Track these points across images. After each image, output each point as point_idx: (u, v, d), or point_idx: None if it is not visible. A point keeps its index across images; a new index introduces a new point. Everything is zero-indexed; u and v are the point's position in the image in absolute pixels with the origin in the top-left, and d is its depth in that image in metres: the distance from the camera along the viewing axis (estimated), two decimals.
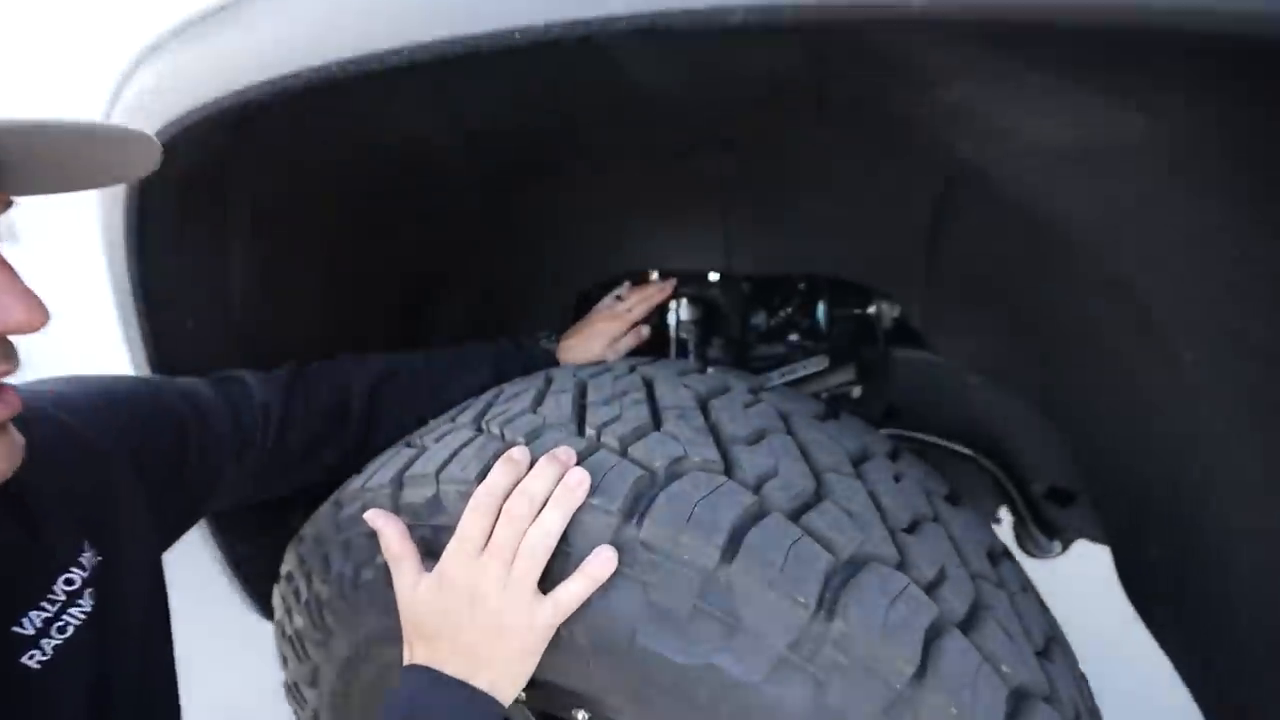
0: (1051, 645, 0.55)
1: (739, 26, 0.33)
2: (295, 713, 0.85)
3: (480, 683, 0.49)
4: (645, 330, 0.99)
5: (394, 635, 0.56)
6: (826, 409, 0.70)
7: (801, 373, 0.96)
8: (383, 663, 0.67)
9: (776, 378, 0.96)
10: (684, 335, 1.07)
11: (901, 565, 0.50)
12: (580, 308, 1.05)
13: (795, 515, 0.51)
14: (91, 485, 0.50)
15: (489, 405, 0.68)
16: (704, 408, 0.62)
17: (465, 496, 0.54)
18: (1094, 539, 1.11)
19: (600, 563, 0.47)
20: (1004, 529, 1.14)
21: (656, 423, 0.58)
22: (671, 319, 1.06)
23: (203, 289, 0.77)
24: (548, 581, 0.49)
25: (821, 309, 1.04)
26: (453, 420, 0.68)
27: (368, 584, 0.61)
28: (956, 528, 0.59)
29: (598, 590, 0.48)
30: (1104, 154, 0.42)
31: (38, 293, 0.35)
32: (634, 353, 1.05)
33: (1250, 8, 0.26)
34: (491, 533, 0.49)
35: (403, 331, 1.03)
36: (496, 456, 0.55)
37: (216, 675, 1.36)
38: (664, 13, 0.34)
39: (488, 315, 1.13)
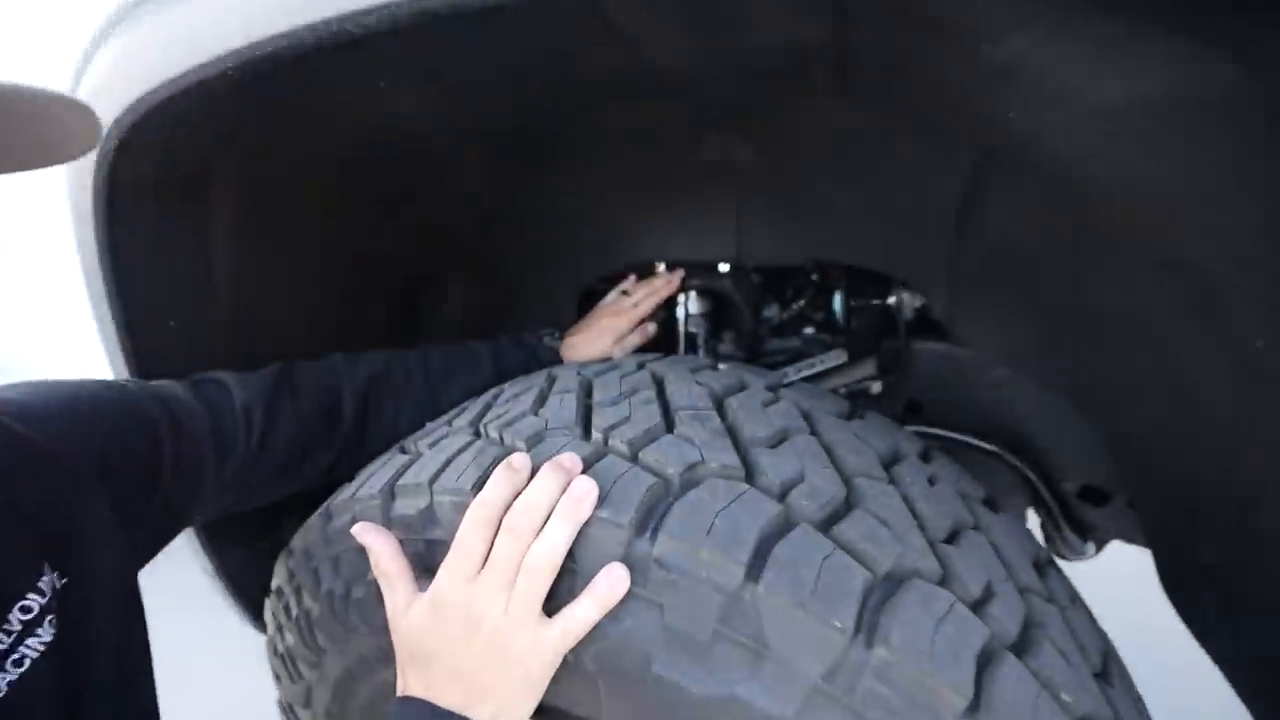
0: (1109, 665, 0.50)
1: None
2: None
3: (480, 715, 0.44)
4: (652, 327, 0.95)
5: (389, 656, 0.52)
6: (851, 407, 0.65)
7: (819, 367, 0.91)
8: (378, 684, 0.62)
9: (793, 373, 0.91)
10: (693, 329, 1.02)
11: (945, 580, 0.45)
12: (584, 306, 1.00)
13: (825, 526, 0.46)
14: (51, 501, 0.45)
15: (488, 407, 0.63)
16: (720, 407, 0.57)
17: (461, 508, 0.49)
18: (1130, 540, 1.05)
19: (611, 582, 0.42)
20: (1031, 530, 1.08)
21: (669, 424, 0.53)
22: (680, 312, 1.01)
23: (185, 287, 0.73)
24: (553, 602, 0.44)
25: (838, 300, 0.99)
26: (449, 423, 0.63)
27: (359, 602, 0.56)
28: (999, 535, 0.54)
29: (608, 613, 0.43)
30: (1182, 115, 0.37)
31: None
32: (640, 350, 1.00)
33: None
34: (490, 549, 0.45)
35: (399, 330, 0.99)
36: (495, 463, 0.50)
37: (215, 685, 1.33)
38: None
39: (488, 312, 1.09)
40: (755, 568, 0.42)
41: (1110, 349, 0.73)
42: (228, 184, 0.69)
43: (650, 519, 0.44)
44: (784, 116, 0.66)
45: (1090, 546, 1.06)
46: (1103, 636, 0.55)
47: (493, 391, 0.69)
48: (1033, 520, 1.13)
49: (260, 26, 0.42)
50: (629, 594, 0.43)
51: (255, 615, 0.88)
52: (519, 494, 0.46)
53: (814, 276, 1.01)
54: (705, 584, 0.42)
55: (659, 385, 0.60)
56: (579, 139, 0.76)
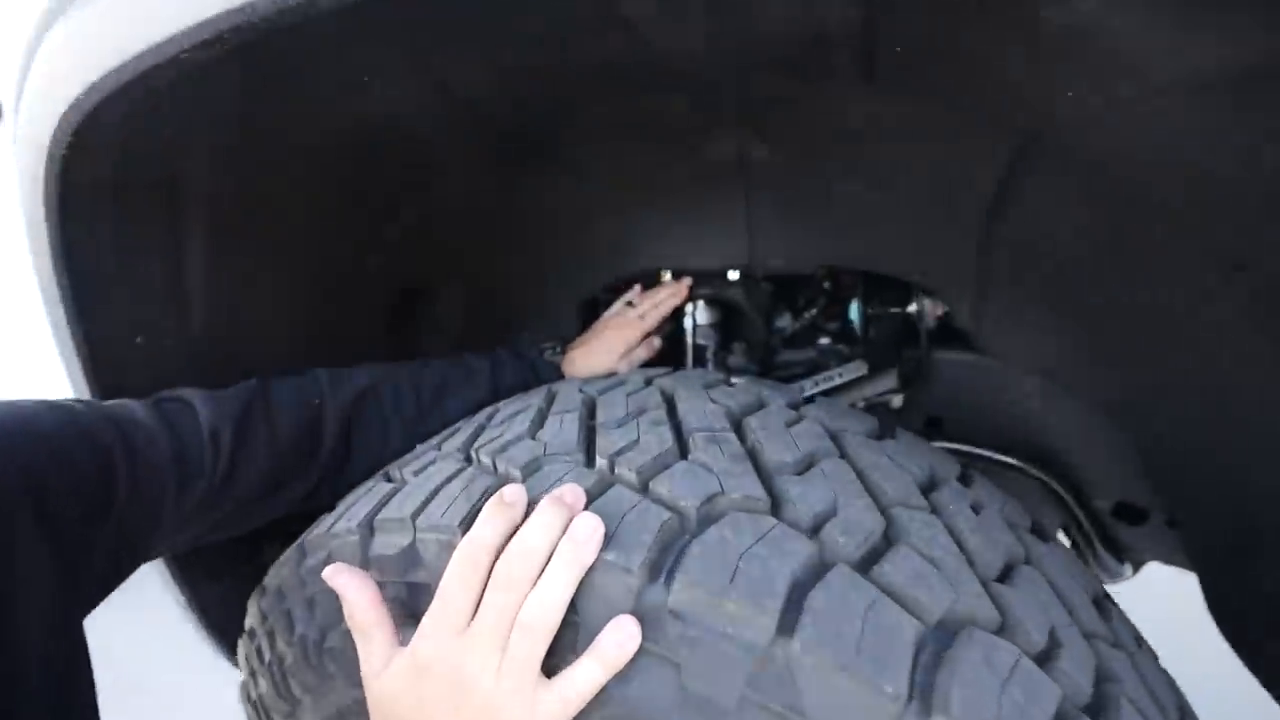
0: None
1: None
2: None
3: None
4: (658, 341, 0.89)
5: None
6: (880, 425, 0.59)
7: (838, 380, 0.85)
8: None
9: (810, 387, 0.85)
10: (701, 341, 0.96)
11: (1004, 629, 0.39)
12: (586, 318, 0.95)
13: (865, 566, 0.40)
14: None
15: (481, 428, 0.58)
16: (738, 428, 0.51)
17: (448, 548, 0.43)
18: (1169, 562, 0.99)
19: (619, 639, 0.36)
20: None
21: (682, 449, 0.47)
22: (688, 323, 0.95)
23: (153, 299, 0.67)
24: (552, 660, 0.38)
25: (854, 308, 0.94)
26: (438, 447, 0.58)
27: (335, 651, 0.50)
28: (1054, 569, 0.48)
29: (616, 674, 0.37)
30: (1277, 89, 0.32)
31: None
32: (646, 365, 0.94)
33: None
34: (480, 599, 0.39)
35: (389, 344, 0.93)
36: (487, 496, 0.44)
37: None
38: None
39: (486, 326, 1.03)
40: (788, 620, 0.36)
41: (1159, 358, 0.67)
42: (200, 185, 0.64)
43: (664, 562, 0.38)
44: (801, 109, 0.61)
45: (1127, 568, 1.00)
46: (1174, 686, 0.48)
47: (487, 411, 0.64)
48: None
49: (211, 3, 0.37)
50: (640, 652, 0.37)
51: (232, 653, 0.81)
52: (513, 532, 0.40)
53: (826, 285, 0.96)
54: (730, 640, 0.36)
55: (669, 403, 0.55)
56: (579, 138, 0.71)
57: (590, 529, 0.38)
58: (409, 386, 0.70)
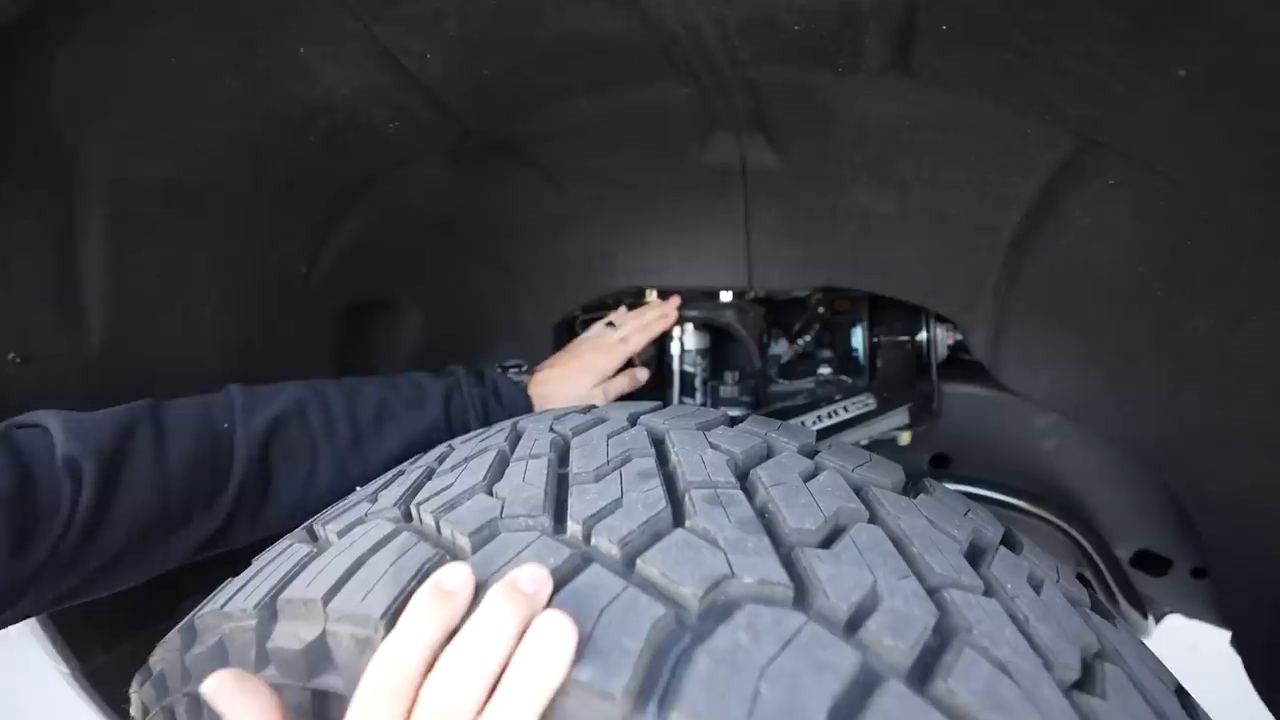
0: None
1: None
2: None
3: None
4: (643, 374, 0.80)
5: None
6: (907, 474, 0.50)
7: (843, 416, 0.76)
8: None
9: (813, 423, 0.76)
10: (689, 368, 0.87)
11: None
12: (562, 343, 0.85)
13: (923, 678, 0.30)
14: None
15: (428, 474, 0.47)
16: (745, 483, 0.41)
17: (367, 647, 0.33)
18: (1196, 616, 0.91)
19: None
20: None
21: (677, 512, 0.37)
22: (675, 349, 0.86)
23: (35, 307, 0.56)
24: None
25: (858, 335, 0.85)
26: (373, 498, 0.47)
27: None
28: (1133, 665, 0.39)
29: None
30: None
31: None
32: (626, 397, 0.84)
33: None
34: None
35: (336, 368, 0.82)
36: (421, 577, 0.34)
37: None
38: None
39: (450, 347, 0.93)
40: None
41: (1203, 394, 0.59)
42: (97, 171, 0.53)
43: (657, 682, 0.28)
44: (820, 106, 0.53)
45: (1150, 622, 0.92)
46: None
47: (438, 451, 0.53)
48: None
49: None
50: None
51: None
52: (451, 633, 0.29)
53: (821, 309, 0.87)
54: None
55: (659, 449, 0.45)
56: (555, 134, 0.62)
57: (556, 633, 0.28)
58: (342, 408, 0.59)
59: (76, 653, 0.66)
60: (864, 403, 0.76)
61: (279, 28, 0.46)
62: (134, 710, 0.51)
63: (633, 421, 0.49)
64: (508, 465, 0.45)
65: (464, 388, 0.67)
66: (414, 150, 0.64)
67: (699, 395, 0.86)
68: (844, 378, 0.84)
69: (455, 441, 0.55)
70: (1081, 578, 0.97)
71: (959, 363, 0.86)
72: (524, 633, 0.28)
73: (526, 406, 0.71)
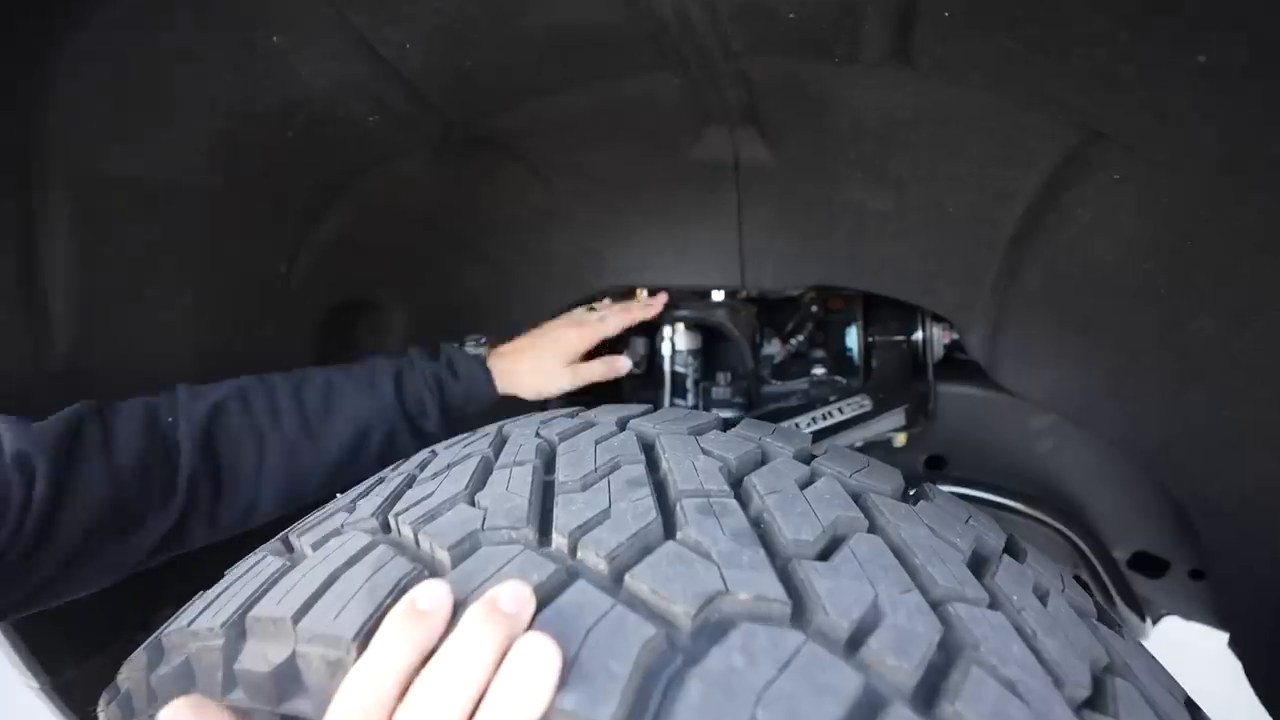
0: None
1: None
2: None
3: None
4: (623, 363, 0.77)
5: None
6: (906, 479, 0.48)
7: (838, 417, 0.75)
8: None
9: (807, 425, 0.75)
10: (680, 369, 0.85)
11: None
12: None
13: (929, 700, 0.29)
14: None
15: (409, 481, 0.45)
16: (739, 490, 0.39)
17: (338, 670, 0.31)
18: (1193, 619, 0.90)
19: None
20: None
21: (669, 524, 0.35)
22: (666, 349, 0.84)
23: (1, 308, 0.53)
24: None
25: (852, 335, 0.84)
26: (351, 506, 0.45)
27: None
28: (1144, 679, 0.38)
29: None
30: None
31: None
32: (608, 392, 0.83)
33: None
34: None
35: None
36: (397, 594, 0.32)
37: None
38: None
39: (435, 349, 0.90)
40: None
41: (1208, 397, 0.58)
42: (59, 166, 0.51)
43: (647, 708, 0.26)
44: (811, 99, 0.51)
45: (1147, 623, 0.91)
46: None
47: (421, 456, 0.51)
48: None
49: None
50: None
51: None
52: (427, 656, 0.28)
53: (814, 308, 0.86)
54: None
55: (649, 455, 0.43)
56: (541, 129, 0.60)
57: (538, 657, 0.26)
58: (287, 394, 0.58)
59: (46, 667, 0.64)
60: (859, 404, 0.75)
61: (250, 15, 0.44)
62: None
63: (622, 426, 0.48)
64: (491, 472, 0.43)
65: (416, 365, 0.65)
66: (395, 145, 0.61)
67: (691, 397, 0.84)
68: (838, 378, 0.82)
69: (439, 446, 0.53)
70: (1079, 580, 0.96)
71: (955, 362, 0.85)
72: (504, 656, 0.27)
73: (485, 380, 0.69)
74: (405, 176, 0.68)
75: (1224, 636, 0.77)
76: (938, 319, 0.80)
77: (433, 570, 0.34)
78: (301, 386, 0.58)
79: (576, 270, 0.77)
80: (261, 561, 0.43)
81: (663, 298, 0.79)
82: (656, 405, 0.65)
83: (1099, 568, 0.86)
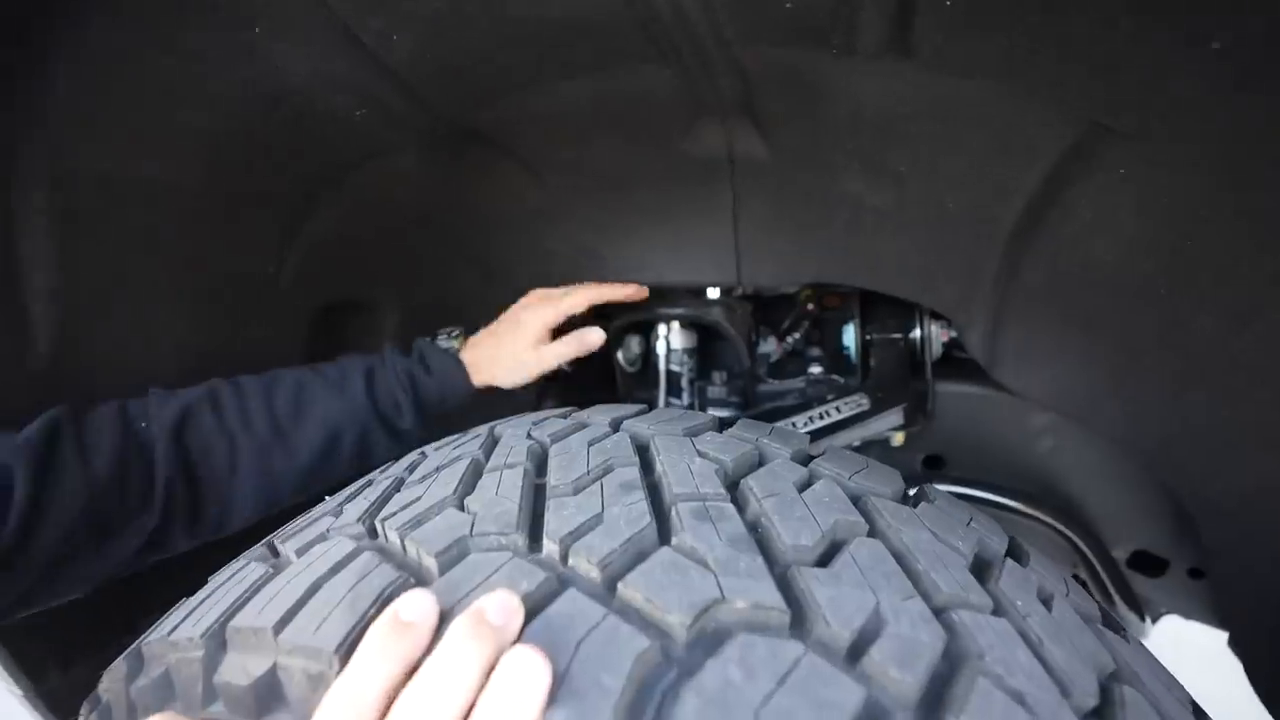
0: None
1: None
2: None
3: None
4: (594, 335, 0.72)
5: None
6: (904, 481, 0.47)
7: (835, 417, 0.74)
8: None
9: (804, 424, 0.74)
10: (675, 368, 0.84)
11: None
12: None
13: (932, 714, 0.27)
14: None
15: (397, 485, 0.44)
16: (736, 494, 0.38)
17: (320, 684, 0.29)
18: (1191, 617, 0.90)
19: None
20: None
21: (663, 529, 0.34)
22: (660, 348, 0.83)
23: None
24: None
25: (849, 333, 0.83)
26: (337, 510, 0.44)
27: None
28: (1149, 682, 0.37)
29: None
30: None
31: None
32: (605, 393, 0.81)
33: None
34: None
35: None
36: (381, 605, 0.31)
37: None
38: None
39: None
40: None
41: (1209, 397, 0.57)
42: (36, 163, 0.50)
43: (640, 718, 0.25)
44: (807, 91, 0.50)
45: (1147, 622, 0.90)
46: None
47: (410, 458, 0.50)
48: None
49: None
50: None
51: None
52: (411, 669, 0.26)
53: (810, 306, 0.85)
54: None
55: (643, 457, 0.42)
56: (535, 123, 0.58)
57: (527, 671, 0.25)
58: (258, 396, 0.57)
59: (30, 674, 0.62)
60: (857, 403, 0.74)
61: (230, 4, 0.42)
62: None
63: (615, 427, 0.47)
64: (481, 475, 0.42)
65: (388, 362, 0.64)
66: (383, 140, 0.60)
67: (686, 396, 0.83)
68: (835, 377, 0.81)
69: (429, 448, 0.52)
70: (1077, 579, 0.95)
71: (953, 361, 0.84)
72: (492, 670, 0.25)
73: (460, 374, 0.67)
74: (395, 172, 0.67)
75: (1223, 636, 0.77)
76: (936, 316, 0.79)
77: (419, 578, 0.33)
78: (272, 388, 0.57)
79: (570, 268, 0.76)
80: (245, 568, 0.41)
81: (644, 290, 0.76)
82: (651, 405, 0.64)
83: (1098, 567, 0.85)
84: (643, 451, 0.43)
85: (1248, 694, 0.68)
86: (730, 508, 0.36)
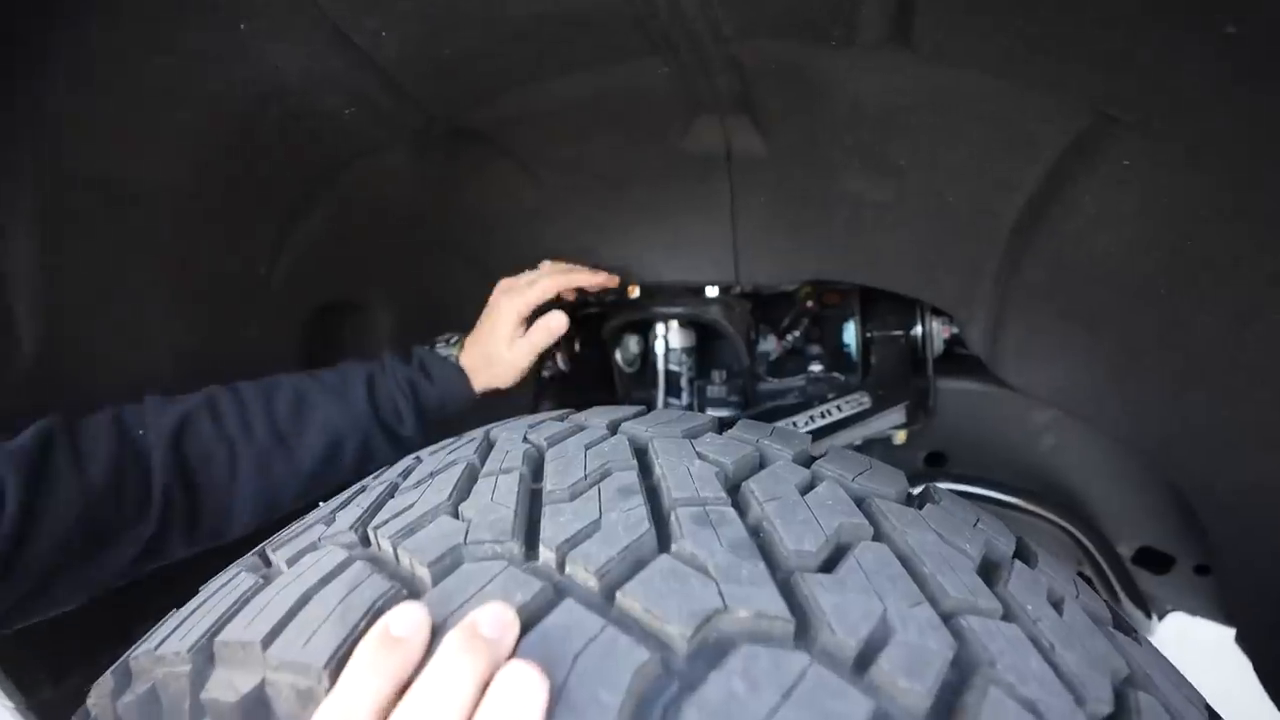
0: None
1: None
2: None
3: None
4: (557, 320, 0.68)
5: None
6: (907, 482, 0.46)
7: (837, 415, 0.73)
8: None
9: (805, 424, 0.73)
10: (675, 367, 0.83)
11: None
12: None
13: None
14: None
15: (391, 490, 0.43)
16: (737, 497, 0.37)
17: (309, 701, 0.28)
18: (1198, 613, 0.89)
19: None
20: None
21: (662, 535, 0.33)
22: (659, 347, 0.82)
23: None
24: None
25: (850, 330, 0.82)
26: (329, 518, 0.43)
27: None
28: (1163, 686, 0.36)
29: None
30: None
31: None
32: (603, 394, 0.80)
33: None
34: None
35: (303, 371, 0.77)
36: (372, 617, 0.30)
37: None
38: None
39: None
40: None
41: (1209, 396, 0.57)
42: (22, 163, 0.48)
43: None
44: (806, 85, 0.49)
45: (1154, 619, 0.89)
46: None
47: (405, 463, 0.49)
48: None
49: None
50: None
51: None
52: (403, 686, 0.25)
53: (809, 303, 0.84)
54: None
55: (641, 460, 0.41)
56: (530, 121, 0.57)
57: (522, 688, 0.24)
58: (258, 403, 0.56)
59: (22, 687, 0.61)
60: (859, 401, 0.73)
61: (227, 3, 0.41)
62: None
63: (613, 429, 0.46)
64: (476, 481, 0.41)
65: (388, 369, 0.63)
66: (376, 140, 0.59)
67: (685, 395, 0.82)
68: (836, 375, 0.80)
69: (423, 452, 0.51)
70: (1083, 576, 0.94)
71: (955, 357, 0.83)
72: (486, 686, 0.25)
73: (461, 381, 0.67)
74: (389, 172, 0.66)
75: (1231, 632, 0.76)
76: (937, 313, 0.78)
77: (412, 588, 0.32)
78: (272, 395, 0.56)
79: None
80: (235, 578, 0.40)
81: (616, 279, 0.74)
82: (650, 405, 0.63)
83: (1104, 564, 0.85)
84: (641, 454, 0.42)
85: (1256, 691, 0.67)
86: (731, 512, 0.35)
